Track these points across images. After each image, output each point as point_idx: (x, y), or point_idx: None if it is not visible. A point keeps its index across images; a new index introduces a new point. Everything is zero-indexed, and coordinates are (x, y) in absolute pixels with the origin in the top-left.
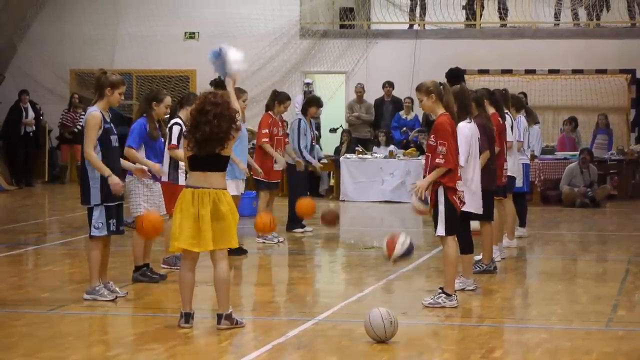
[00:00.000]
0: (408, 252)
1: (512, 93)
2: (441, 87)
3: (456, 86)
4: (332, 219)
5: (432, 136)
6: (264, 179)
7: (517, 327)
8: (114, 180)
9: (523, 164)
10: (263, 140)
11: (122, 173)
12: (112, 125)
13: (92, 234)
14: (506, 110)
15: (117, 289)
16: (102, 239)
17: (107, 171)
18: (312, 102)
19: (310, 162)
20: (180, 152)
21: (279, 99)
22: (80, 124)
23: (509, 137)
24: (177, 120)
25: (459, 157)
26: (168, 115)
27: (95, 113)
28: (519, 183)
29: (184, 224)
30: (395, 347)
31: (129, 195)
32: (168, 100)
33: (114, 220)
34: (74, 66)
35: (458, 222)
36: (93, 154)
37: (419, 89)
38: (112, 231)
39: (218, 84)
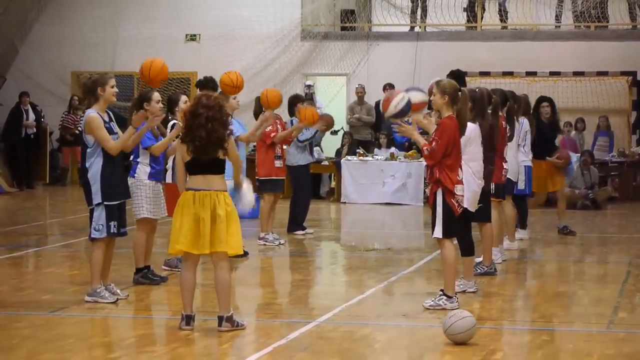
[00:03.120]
0: (402, 113)
1: (521, 94)
2: (459, 93)
3: (476, 89)
4: (328, 120)
5: (434, 133)
6: (267, 177)
7: (518, 329)
8: (136, 118)
9: (525, 166)
10: (272, 135)
11: (125, 170)
12: (111, 125)
13: (92, 236)
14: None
15: (118, 291)
16: (105, 240)
17: (129, 129)
18: (295, 100)
19: (310, 137)
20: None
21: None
22: (82, 125)
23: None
24: (175, 121)
25: (457, 161)
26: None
27: (92, 114)
28: (520, 185)
29: (184, 226)
30: (396, 350)
31: (131, 197)
32: (157, 95)
33: (115, 222)
34: (75, 68)
35: (456, 225)
36: (115, 143)
37: (437, 84)
38: (113, 233)
39: (203, 84)
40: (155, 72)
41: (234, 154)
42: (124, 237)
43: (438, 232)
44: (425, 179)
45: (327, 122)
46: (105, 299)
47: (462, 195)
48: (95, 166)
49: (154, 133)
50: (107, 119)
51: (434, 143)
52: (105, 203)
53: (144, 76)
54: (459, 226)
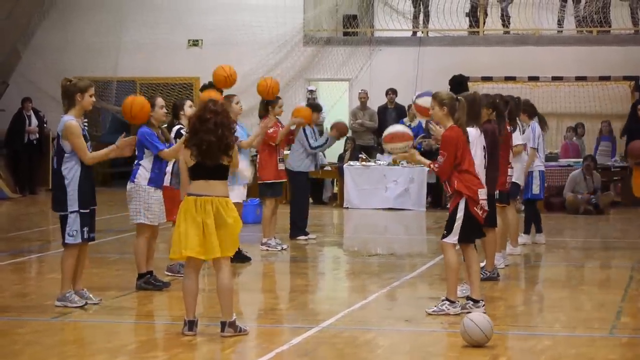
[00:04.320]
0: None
1: (525, 99)
2: (457, 102)
3: (469, 93)
4: (342, 128)
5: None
6: (271, 180)
7: (521, 334)
8: (119, 143)
9: (539, 170)
10: (274, 136)
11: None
12: (86, 132)
13: (66, 241)
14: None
15: (91, 295)
16: (77, 246)
17: (108, 148)
18: (312, 109)
19: (322, 144)
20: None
21: (269, 104)
22: (59, 130)
23: (516, 142)
24: (181, 126)
25: (469, 167)
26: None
27: (71, 121)
28: (535, 190)
29: (189, 231)
30: (399, 355)
31: (129, 201)
32: (160, 101)
33: (88, 228)
34: (77, 74)
35: (473, 232)
36: (91, 155)
37: (434, 97)
38: (86, 239)
39: (208, 89)
40: (137, 110)
41: (236, 162)
42: (93, 241)
43: (453, 238)
44: (427, 185)
45: (340, 130)
46: (74, 303)
47: (485, 199)
48: (72, 173)
49: (160, 138)
50: (82, 125)
51: (439, 157)
52: (80, 211)
53: (126, 113)
54: (476, 233)
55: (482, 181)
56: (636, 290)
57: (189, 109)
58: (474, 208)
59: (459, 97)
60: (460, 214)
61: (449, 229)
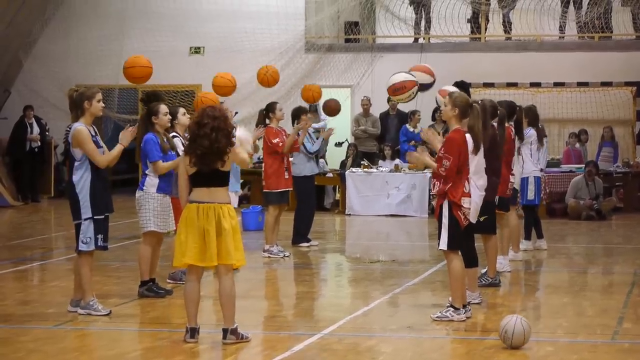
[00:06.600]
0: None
1: (529, 106)
2: (470, 108)
3: (483, 100)
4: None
5: (442, 148)
6: (276, 190)
7: None
8: (125, 135)
9: (535, 176)
10: (280, 145)
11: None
12: (98, 138)
13: (80, 249)
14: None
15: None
16: (91, 253)
17: (117, 147)
18: (299, 112)
19: (318, 147)
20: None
21: (269, 111)
22: (69, 138)
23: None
24: (175, 133)
25: (465, 174)
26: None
27: (80, 127)
28: (530, 195)
29: (189, 239)
30: None
31: (139, 209)
32: (164, 107)
33: (102, 236)
34: (80, 81)
35: (462, 238)
36: (102, 157)
37: (450, 95)
38: (100, 246)
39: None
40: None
41: (237, 159)
42: (106, 251)
43: (443, 244)
44: (430, 191)
45: (331, 108)
46: (98, 312)
47: (469, 208)
48: (84, 180)
49: (163, 147)
50: (93, 132)
51: (444, 161)
52: (94, 217)
53: None
54: (465, 238)
55: (479, 187)
56: (638, 296)
57: (182, 116)
58: (457, 212)
59: (473, 104)
60: (445, 220)
61: (439, 234)
